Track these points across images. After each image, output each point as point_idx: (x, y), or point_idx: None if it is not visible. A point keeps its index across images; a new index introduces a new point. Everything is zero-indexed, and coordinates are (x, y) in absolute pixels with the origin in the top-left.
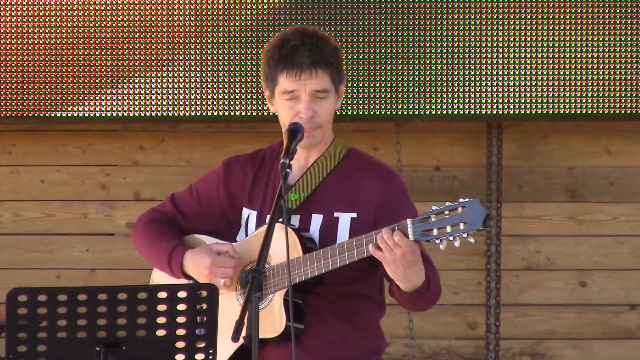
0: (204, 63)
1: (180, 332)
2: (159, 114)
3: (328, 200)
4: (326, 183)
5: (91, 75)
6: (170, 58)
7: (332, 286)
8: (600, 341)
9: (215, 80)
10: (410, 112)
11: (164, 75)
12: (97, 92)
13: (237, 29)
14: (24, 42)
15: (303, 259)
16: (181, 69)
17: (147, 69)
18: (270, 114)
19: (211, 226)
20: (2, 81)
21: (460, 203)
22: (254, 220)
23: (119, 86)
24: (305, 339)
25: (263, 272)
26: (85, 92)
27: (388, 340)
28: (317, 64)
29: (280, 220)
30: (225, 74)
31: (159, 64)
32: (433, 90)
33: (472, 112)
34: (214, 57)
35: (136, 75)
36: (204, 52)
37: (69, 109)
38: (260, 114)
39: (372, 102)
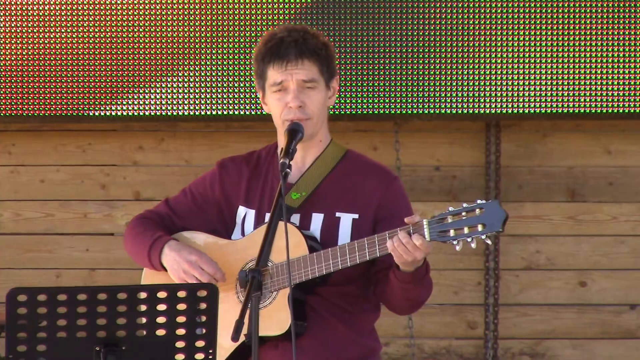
0: (203, 63)
1: (180, 331)
2: (158, 114)
3: (329, 200)
4: (326, 183)
5: (91, 75)
6: (170, 58)
7: (333, 286)
8: (600, 341)
9: (214, 79)
10: (410, 112)
11: (164, 74)
12: (97, 92)
13: (236, 29)
14: (25, 42)
15: (310, 258)
16: (181, 69)
17: (147, 69)
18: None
19: (207, 225)
20: (2, 81)
21: (478, 204)
22: (252, 218)
23: (119, 86)
24: (303, 340)
25: (264, 270)
26: (85, 92)
27: (388, 340)
28: (303, 53)
29: (282, 218)
30: (225, 74)
31: (158, 63)
32: (432, 89)
33: (472, 112)
34: (214, 57)
35: (136, 75)
36: (203, 52)
37: (69, 109)
38: (259, 113)
39: (371, 101)
